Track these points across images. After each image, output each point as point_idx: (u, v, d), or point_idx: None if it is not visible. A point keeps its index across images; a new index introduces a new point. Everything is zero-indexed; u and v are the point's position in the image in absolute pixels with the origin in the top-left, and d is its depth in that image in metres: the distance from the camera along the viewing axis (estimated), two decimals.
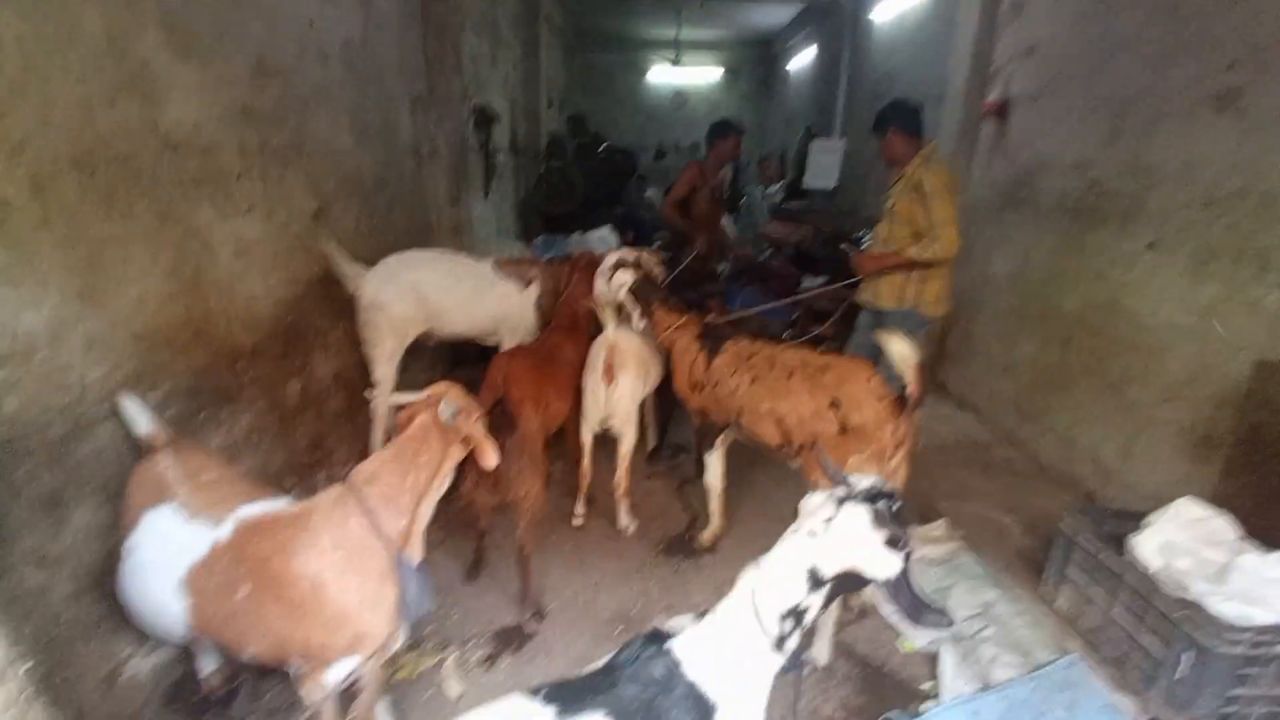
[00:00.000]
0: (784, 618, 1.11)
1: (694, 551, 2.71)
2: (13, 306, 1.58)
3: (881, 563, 1.09)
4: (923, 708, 1.93)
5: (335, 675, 1.43)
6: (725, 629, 1.13)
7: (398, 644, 1.55)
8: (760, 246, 6.04)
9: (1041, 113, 3.80)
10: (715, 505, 2.69)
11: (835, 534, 1.11)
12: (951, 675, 2.00)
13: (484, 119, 5.27)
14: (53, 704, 1.62)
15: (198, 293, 2.20)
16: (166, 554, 1.46)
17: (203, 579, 1.42)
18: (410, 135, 3.96)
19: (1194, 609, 1.57)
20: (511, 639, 2.18)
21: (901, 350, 1.82)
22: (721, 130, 4.30)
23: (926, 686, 2.04)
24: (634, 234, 6.58)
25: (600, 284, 2.79)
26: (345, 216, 3.19)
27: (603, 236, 5.58)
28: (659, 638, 1.13)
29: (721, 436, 2.54)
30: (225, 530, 1.46)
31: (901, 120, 2.96)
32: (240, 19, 2.39)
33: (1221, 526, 1.71)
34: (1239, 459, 2.27)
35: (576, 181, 6.71)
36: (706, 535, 2.72)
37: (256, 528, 1.45)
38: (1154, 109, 2.95)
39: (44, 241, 1.67)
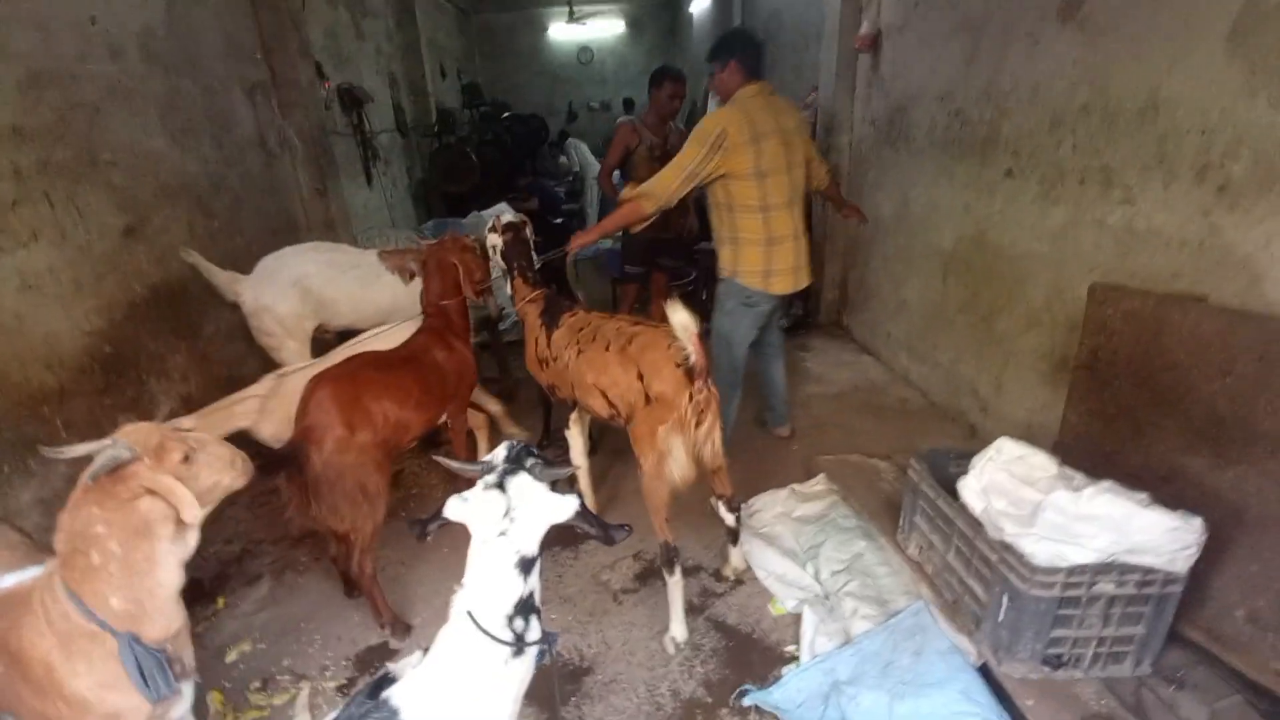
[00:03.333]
0: (514, 617, 1.08)
1: (574, 538, 2.66)
2: None
3: (561, 507, 1.12)
4: (784, 672, 1.94)
5: None
6: (450, 660, 1.06)
7: (180, 711, 1.42)
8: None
9: (909, 43, 3.72)
10: (584, 484, 2.64)
11: (523, 516, 1.10)
12: (812, 634, 2.01)
13: (351, 100, 4.93)
14: None
15: None
16: None
17: None
18: (252, 127, 3.66)
19: (1009, 551, 1.58)
20: (373, 660, 2.10)
21: (679, 319, 1.76)
22: (655, 77, 3.87)
23: (791, 649, 2.04)
24: (539, 204, 6.35)
25: (491, 238, 2.71)
26: (173, 226, 2.94)
27: (498, 213, 5.36)
28: (383, 685, 1.05)
29: (576, 413, 2.48)
30: None
31: (744, 52, 2.64)
32: None
33: (1040, 463, 1.71)
34: (1084, 383, 2.31)
35: (472, 157, 6.41)
36: None
37: (1, 604, 1.31)
38: (1004, 28, 2.88)
39: None
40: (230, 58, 3.50)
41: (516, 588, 1.08)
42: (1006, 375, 3.03)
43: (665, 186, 2.59)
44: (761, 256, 2.71)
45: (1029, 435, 2.79)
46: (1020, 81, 2.80)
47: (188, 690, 1.41)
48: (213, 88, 3.32)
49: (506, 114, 8.47)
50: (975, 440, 3.14)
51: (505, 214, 2.86)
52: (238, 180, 3.47)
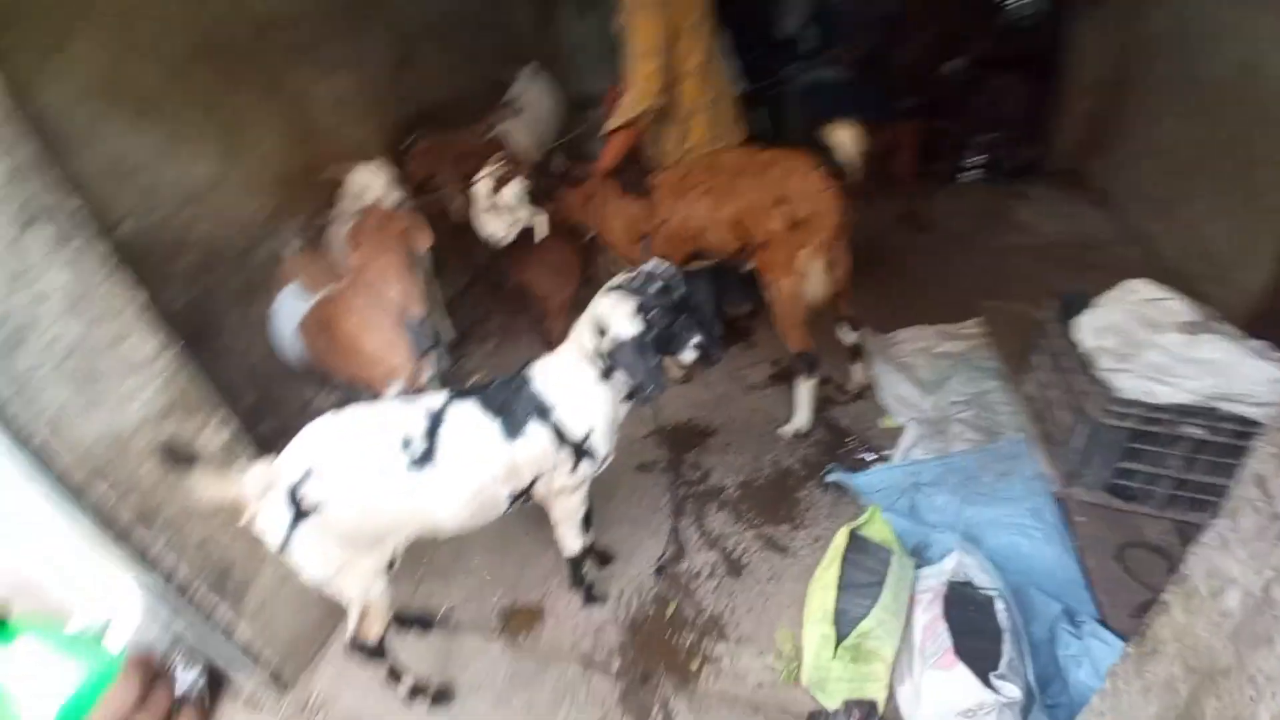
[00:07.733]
0: (596, 356, 1.51)
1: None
2: (185, 163, 2.31)
3: (622, 324, 1.45)
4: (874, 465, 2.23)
5: (391, 392, 2.11)
6: (563, 358, 1.56)
7: (428, 372, 2.15)
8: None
9: None
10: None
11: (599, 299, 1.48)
12: (910, 444, 2.22)
13: None
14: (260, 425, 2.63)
15: (310, 143, 2.83)
16: (291, 312, 2.25)
17: (306, 328, 2.19)
18: None
19: (1095, 384, 1.59)
20: None
21: (844, 137, 1.82)
22: None
23: (889, 453, 2.29)
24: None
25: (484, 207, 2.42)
26: (428, 62, 3.58)
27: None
28: (529, 364, 1.60)
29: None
30: (316, 299, 2.18)
31: None
32: None
33: (1175, 308, 1.59)
34: None
35: None
36: None
37: (329, 297, 2.15)
38: None
39: (192, 115, 2.34)
40: None
41: (592, 339, 1.50)
42: (1261, 239, 2.56)
43: (641, 81, 2.14)
44: (708, 122, 2.35)
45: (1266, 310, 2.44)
46: None
47: (436, 360, 2.18)
48: None
49: None
50: None
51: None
52: (476, 16, 3.99)
